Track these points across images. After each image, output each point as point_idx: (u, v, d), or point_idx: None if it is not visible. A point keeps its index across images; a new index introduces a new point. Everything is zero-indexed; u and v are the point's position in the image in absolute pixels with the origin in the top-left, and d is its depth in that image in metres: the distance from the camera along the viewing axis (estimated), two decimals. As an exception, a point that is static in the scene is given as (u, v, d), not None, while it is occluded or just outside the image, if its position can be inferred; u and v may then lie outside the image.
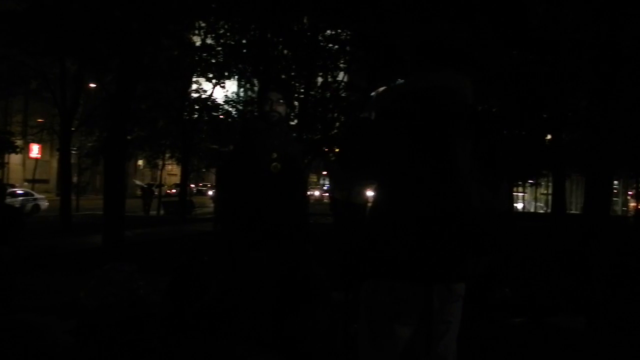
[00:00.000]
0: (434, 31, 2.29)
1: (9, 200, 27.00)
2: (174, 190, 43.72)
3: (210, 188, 44.49)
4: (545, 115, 17.59)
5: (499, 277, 6.04)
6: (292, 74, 19.30)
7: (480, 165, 2.07)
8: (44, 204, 27.94)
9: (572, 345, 4.89)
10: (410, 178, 2.05)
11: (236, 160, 3.65)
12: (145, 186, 32.74)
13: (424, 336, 2.17)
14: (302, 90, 19.33)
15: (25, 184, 36.62)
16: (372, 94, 2.31)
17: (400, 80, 2.23)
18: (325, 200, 52.55)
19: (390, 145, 2.09)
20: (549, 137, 21.02)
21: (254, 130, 3.62)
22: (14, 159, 35.60)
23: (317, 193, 57.78)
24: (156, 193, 31.14)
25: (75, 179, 26.15)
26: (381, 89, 2.27)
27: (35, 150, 40.25)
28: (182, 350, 3.61)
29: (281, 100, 3.61)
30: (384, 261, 2.08)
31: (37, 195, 28.90)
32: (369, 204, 2.18)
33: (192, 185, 28.26)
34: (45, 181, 41.34)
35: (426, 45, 2.23)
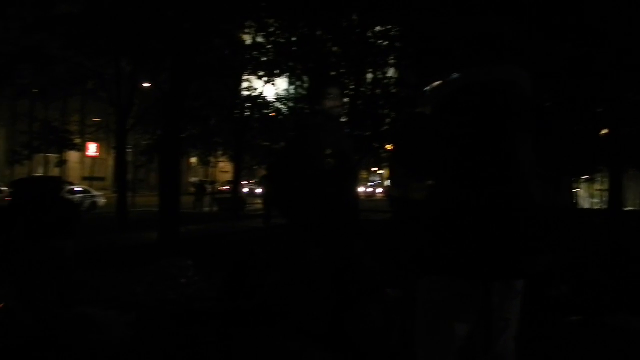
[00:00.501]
0: (491, 24, 2.25)
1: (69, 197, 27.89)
2: (225, 188, 44.30)
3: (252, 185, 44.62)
4: (600, 110, 17.11)
5: (556, 274, 5.91)
6: (342, 70, 19.26)
7: (541, 161, 2.03)
8: (101, 201, 28.70)
9: (631, 345, 4.74)
10: (469, 174, 2.02)
11: (290, 156, 3.66)
12: (198, 183, 33.18)
13: (483, 333, 2.14)
14: (352, 87, 19.28)
15: (83, 181, 37.67)
16: (427, 89, 2.27)
17: (455, 75, 2.19)
18: (376, 197, 52.34)
19: (447, 140, 2.06)
20: (604, 131, 20.44)
21: (308, 126, 3.61)
22: (72, 157, 36.64)
23: (370, 189, 57.60)
24: (210, 190, 31.59)
25: (130, 177, 26.75)
26: (436, 83, 2.23)
27: (92, 149, 41.41)
28: (238, 344, 3.66)
29: (338, 96, 3.61)
30: (443, 258, 2.06)
31: (94, 193, 29.69)
32: (426, 200, 2.16)
33: (244, 182, 28.62)
34: (102, 179, 42.45)
35: (483, 38, 2.20)
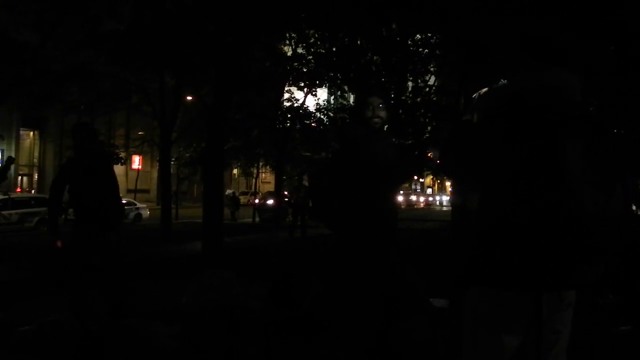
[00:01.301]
0: (534, 26, 2.19)
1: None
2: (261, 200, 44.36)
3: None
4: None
5: (605, 282, 5.74)
6: (383, 79, 19.23)
7: (593, 167, 1.96)
8: (146, 213, 29.17)
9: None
10: (519, 182, 1.96)
11: (335, 166, 3.62)
12: (231, 195, 33.09)
13: (533, 346, 2.08)
14: (392, 95, 19.22)
15: (128, 194, 38.40)
16: (474, 95, 2.23)
17: (503, 81, 2.15)
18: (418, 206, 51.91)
19: (496, 148, 2.01)
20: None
21: (355, 137, 3.57)
22: (118, 170, 37.20)
23: (414, 198, 57.19)
24: (251, 201, 31.70)
25: (174, 188, 27.17)
26: (484, 90, 2.19)
27: (136, 162, 42.17)
28: (282, 356, 3.64)
29: (382, 105, 3.57)
30: (492, 269, 2.00)
31: (139, 205, 30.20)
32: (477, 210, 2.11)
33: (286, 193, 28.73)
34: (146, 191, 43.19)
35: (531, 42, 2.15)
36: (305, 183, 20.33)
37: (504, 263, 1.96)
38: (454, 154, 2.21)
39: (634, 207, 5.78)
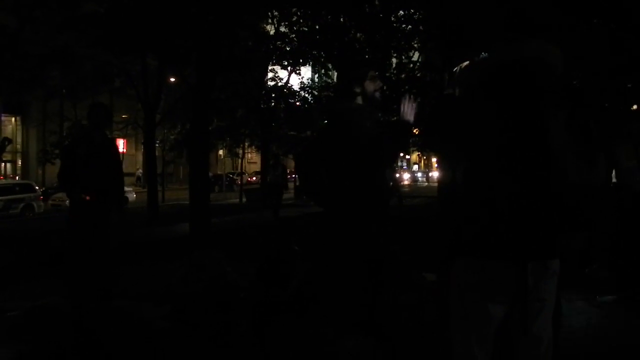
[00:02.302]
0: (520, 1, 2.20)
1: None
2: (254, 178, 44.50)
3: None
4: (629, 85, 16.69)
5: (590, 253, 5.82)
6: (367, 56, 19.17)
7: (575, 138, 1.98)
8: (132, 196, 29.05)
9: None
10: (502, 154, 1.98)
11: (323, 143, 3.61)
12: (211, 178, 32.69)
13: (519, 315, 2.11)
14: (377, 73, 19.19)
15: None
16: (455, 69, 2.23)
17: (483, 55, 2.15)
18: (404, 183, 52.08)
19: (479, 121, 2.03)
20: (634, 107, 19.93)
21: (343, 112, 3.55)
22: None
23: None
24: (238, 182, 31.61)
25: (160, 171, 27.05)
26: (464, 64, 2.19)
27: (120, 145, 41.89)
28: (272, 332, 3.67)
29: (377, 77, 3.58)
30: (478, 240, 2.03)
31: (125, 188, 30.00)
32: (461, 183, 2.13)
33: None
34: (132, 174, 42.92)
35: (513, 15, 2.15)
36: (284, 161, 20.26)
37: (490, 234, 2.00)
38: (437, 128, 2.22)
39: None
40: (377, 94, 3.62)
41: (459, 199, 2.10)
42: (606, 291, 5.43)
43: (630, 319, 4.82)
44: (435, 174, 57.56)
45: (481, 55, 2.15)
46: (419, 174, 64.15)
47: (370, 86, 3.56)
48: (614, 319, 4.83)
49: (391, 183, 8.31)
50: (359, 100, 3.59)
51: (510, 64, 2.06)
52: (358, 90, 3.54)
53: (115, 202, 5.76)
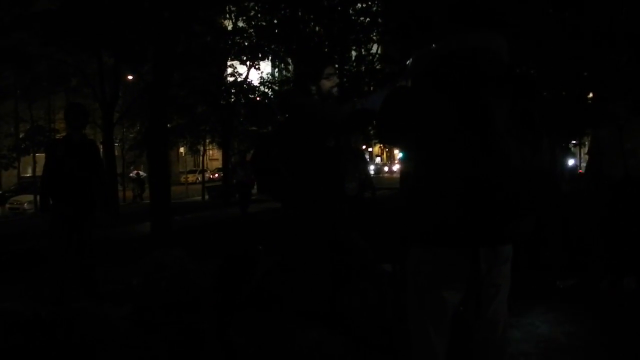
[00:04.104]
0: None
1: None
2: (216, 175, 44.18)
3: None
4: (585, 74, 17.08)
5: (545, 239, 5.95)
6: (326, 50, 19.19)
7: (518, 124, 2.03)
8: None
9: (622, 307, 4.79)
10: (449, 141, 2.02)
11: (284, 138, 3.60)
12: (135, 177, 31.51)
13: (473, 300, 2.16)
14: (336, 66, 19.23)
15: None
16: (407, 62, 2.28)
17: (432, 45, 2.20)
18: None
19: (427, 109, 2.07)
20: (590, 95, 20.39)
21: (303, 105, 3.55)
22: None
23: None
24: (198, 179, 31.31)
25: (119, 171, 26.70)
26: (414, 55, 2.24)
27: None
28: (234, 330, 3.67)
29: (334, 74, 3.61)
30: (427, 228, 2.07)
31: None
32: (411, 172, 2.16)
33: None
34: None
35: (458, 6, 2.19)
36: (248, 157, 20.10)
37: (440, 222, 2.03)
38: (389, 119, 2.25)
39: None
40: (334, 90, 3.64)
41: (410, 189, 2.14)
42: (565, 277, 5.57)
43: (585, 303, 4.95)
44: (395, 167, 58.16)
45: (431, 47, 2.19)
46: (381, 166, 64.58)
47: (326, 84, 3.58)
48: (569, 303, 4.95)
49: (364, 176, 8.38)
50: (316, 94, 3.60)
51: (456, 53, 2.10)
52: (314, 88, 3.55)
53: (100, 202, 5.88)
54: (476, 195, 1.97)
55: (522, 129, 2.02)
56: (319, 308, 3.39)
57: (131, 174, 31.43)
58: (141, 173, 31.09)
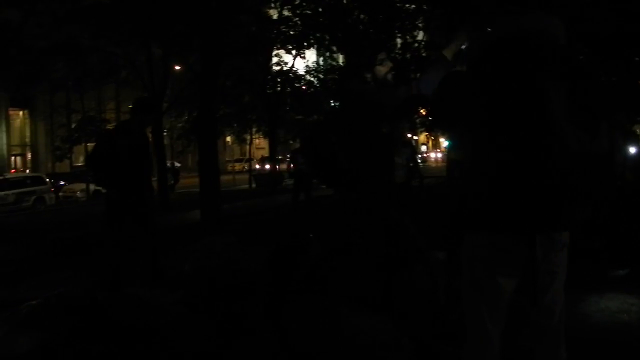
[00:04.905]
0: None
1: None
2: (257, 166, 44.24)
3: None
4: (638, 58, 16.55)
5: (596, 226, 5.82)
6: (371, 38, 19.06)
7: (576, 108, 1.99)
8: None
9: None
10: (505, 127, 2.00)
11: (337, 123, 3.62)
12: (169, 166, 31.31)
13: (530, 288, 2.13)
14: (385, 56, 19.06)
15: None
16: (463, 47, 2.26)
17: (488, 30, 2.16)
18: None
19: (483, 95, 2.04)
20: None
21: (362, 93, 3.55)
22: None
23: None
24: (245, 168, 31.44)
25: (169, 160, 27.07)
26: (470, 40, 2.22)
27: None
28: (287, 312, 3.71)
29: (387, 60, 3.60)
30: (484, 215, 2.05)
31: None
32: (468, 158, 2.14)
33: (281, 157, 28.80)
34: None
35: None
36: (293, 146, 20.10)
37: (497, 208, 2.01)
38: (444, 105, 2.23)
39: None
40: (389, 76, 3.63)
41: (466, 175, 2.12)
42: (617, 266, 5.44)
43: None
44: (437, 155, 57.65)
45: (484, 31, 2.17)
46: (427, 154, 64.10)
47: (381, 70, 3.57)
48: (623, 291, 4.84)
49: (411, 164, 8.35)
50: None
51: (511, 36, 2.06)
52: (369, 75, 3.55)
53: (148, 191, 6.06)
54: (532, 181, 1.94)
55: (580, 113, 1.98)
56: (372, 294, 3.40)
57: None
58: (176, 164, 31.34)
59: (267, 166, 28.70)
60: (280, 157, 27.63)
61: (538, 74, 1.99)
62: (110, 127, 6.54)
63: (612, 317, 4.18)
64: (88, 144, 27.52)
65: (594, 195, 2.01)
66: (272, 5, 21.25)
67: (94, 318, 4.22)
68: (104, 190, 6.03)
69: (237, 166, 42.61)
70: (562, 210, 1.99)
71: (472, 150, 2.09)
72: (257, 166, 36.50)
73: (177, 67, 22.67)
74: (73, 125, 28.02)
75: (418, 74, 19.96)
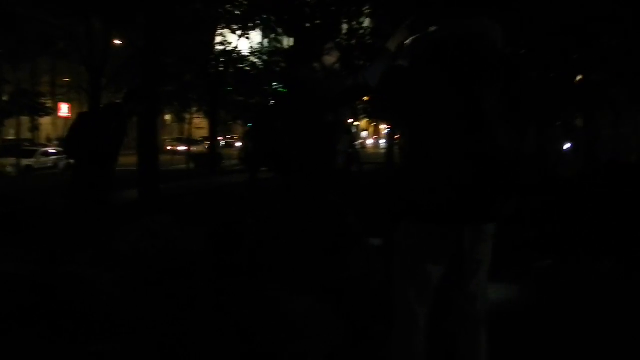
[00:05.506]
0: None
1: (42, 159, 27.57)
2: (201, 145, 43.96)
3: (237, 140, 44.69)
4: (575, 56, 17.18)
5: (526, 218, 6.08)
6: (317, 21, 19.07)
7: (508, 108, 2.13)
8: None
9: (596, 286, 4.93)
10: (442, 123, 2.13)
11: (283, 109, 3.67)
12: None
13: (457, 275, 2.28)
14: (334, 45, 19.08)
15: (56, 142, 37.00)
16: (406, 42, 2.36)
17: (432, 28, 2.28)
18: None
19: (423, 90, 2.16)
20: (579, 78, 20.50)
21: (311, 80, 3.61)
22: (44, 119, 36.03)
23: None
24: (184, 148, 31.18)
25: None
26: (414, 37, 2.33)
27: (64, 110, 40.62)
28: (222, 298, 3.75)
29: (335, 49, 3.66)
30: (418, 204, 2.18)
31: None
32: (403, 148, 2.26)
33: (220, 138, 28.54)
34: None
35: None
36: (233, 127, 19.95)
37: (428, 199, 2.14)
38: (385, 96, 2.34)
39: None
40: (336, 66, 3.70)
41: (402, 165, 2.24)
42: (542, 256, 5.70)
43: (560, 282, 5.09)
44: (382, 141, 58.40)
45: (429, 30, 2.28)
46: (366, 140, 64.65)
47: (328, 60, 3.64)
48: (545, 281, 5.08)
49: (351, 150, 8.46)
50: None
51: (452, 38, 2.18)
52: (317, 64, 3.61)
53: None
54: (464, 176, 2.08)
55: (512, 113, 2.13)
56: (310, 277, 3.49)
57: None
58: None
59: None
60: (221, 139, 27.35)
61: (476, 76, 2.12)
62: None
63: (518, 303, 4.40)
64: (21, 117, 26.63)
65: (521, 191, 2.15)
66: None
67: (39, 296, 4.16)
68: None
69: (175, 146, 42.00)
70: (490, 204, 2.13)
71: (409, 143, 2.21)
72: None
73: (118, 42, 22.13)
74: (4, 98, 27.00)
75: (363, 62, 20.18)
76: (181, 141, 42.32)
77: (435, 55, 2.17)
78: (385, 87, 2.33)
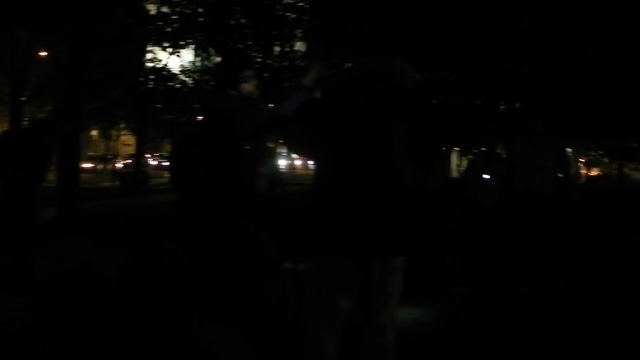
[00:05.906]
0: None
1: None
2: (128, 161, 42.97)
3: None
4: (496, 87, 17.81)
5: (440, 247, 6.24)
6: (249, 43, 19.07)
7: (413, 147, 2.21)
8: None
9: (512, 311, 5.09)
10: (349, 158, 2.18)
11: (201, 137, 3.65)
12: None
13: (365, 307, 2.33)
14: (259, 60, 19.14)
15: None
16: (322, 76, 2.42)
17: (347, 64, 2.35)
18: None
19: (332, 125, 2.21)
20: (502, 106, 21.24)
21: (229, 109, 3.61)
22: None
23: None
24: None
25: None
26: (333, 72, 2.40)
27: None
28: (136, 324, 3.68)
29: (252, 79, 3.69)
30: (326, 237, 2.21)
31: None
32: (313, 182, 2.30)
33: (148, 156, 27.92)
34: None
35: (374, 36, 2.35)
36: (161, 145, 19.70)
37: (337, 232, 2.19)
38: (301, 126, 2.38)
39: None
40: (255, 93, 3.73)
41: (313, 198, 2.28)
42: (461, 282, 5.85)
43: (479, 309, 5.23)
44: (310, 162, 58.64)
45: (345, 66, 2.35)
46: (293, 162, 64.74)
47: (246, 87, 3.67)
48: (463, 309, 5.21)
49: (274, 173, 8.46)
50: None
51: (364, 75, 2.25)
52: (234, 92, 3.63)
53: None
54: (371, 210, 2.13)
55: (418, 151, 2.20)
56: (224, 302, 3.46)
57: None
58: None
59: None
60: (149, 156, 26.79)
61: (385, 113, 2.19)
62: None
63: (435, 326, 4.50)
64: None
65: (423, 227, 2.22)
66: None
67: None
68: None
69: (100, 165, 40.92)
70: (394, 239, 2.19)
71: (319, 175, 2.26)
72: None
73: (43, 54, 21.44)
74: None
75: (290, 85, 20.32)
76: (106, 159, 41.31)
77: (345, 93, 2.23)
78: (300, 117, 2.37)
